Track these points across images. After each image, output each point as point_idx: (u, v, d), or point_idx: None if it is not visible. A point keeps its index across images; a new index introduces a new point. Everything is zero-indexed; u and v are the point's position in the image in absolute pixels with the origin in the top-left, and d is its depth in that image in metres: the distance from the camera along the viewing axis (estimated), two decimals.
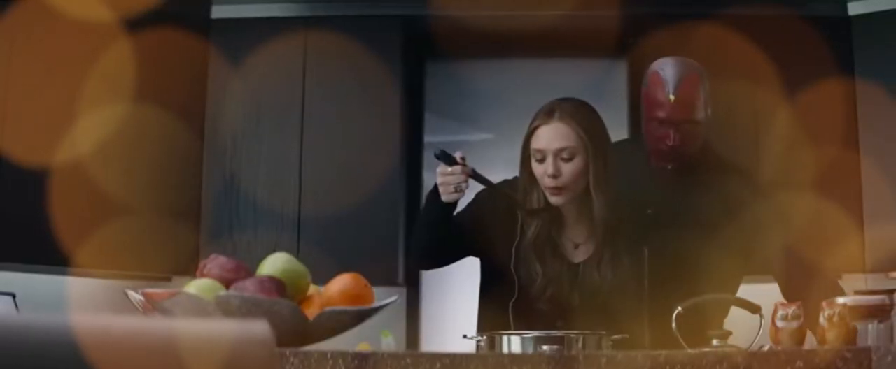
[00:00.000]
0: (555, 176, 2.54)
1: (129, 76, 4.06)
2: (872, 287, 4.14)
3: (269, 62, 4.43)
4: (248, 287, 1.88)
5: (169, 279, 4.34)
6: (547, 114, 2.59)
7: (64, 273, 3.99)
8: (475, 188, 2.63)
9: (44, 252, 3.77)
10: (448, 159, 2.50)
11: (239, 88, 4.44)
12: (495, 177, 4.56)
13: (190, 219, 4.29)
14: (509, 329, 2.56)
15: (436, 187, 2.56)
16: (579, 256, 2.66)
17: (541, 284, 2.61)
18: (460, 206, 2.65)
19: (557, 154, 2.55)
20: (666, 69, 2.75)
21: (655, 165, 2.80)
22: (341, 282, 1.98)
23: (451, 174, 2.51)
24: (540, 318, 2.61)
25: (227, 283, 1.93)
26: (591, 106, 2.67)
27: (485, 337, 2.39)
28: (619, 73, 4.61)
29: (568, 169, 2.55)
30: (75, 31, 3.89)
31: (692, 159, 2.81)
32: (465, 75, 4.75)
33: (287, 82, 4.39)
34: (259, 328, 1.18)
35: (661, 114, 2.70)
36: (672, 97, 2.69)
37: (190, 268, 4.17)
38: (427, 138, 4.74)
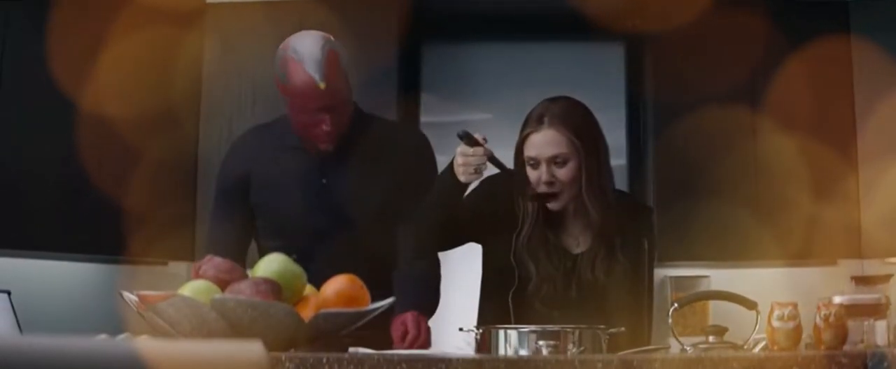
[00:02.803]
0: (550, 182, 2.57)
1: (125, 60, 4.04)
2: (868, 272, 4.14)
3: (265, 45, 4.40)
4: (243, 290, 1.87)
5: (165, 264, 4.34)
6: (537, 120, 2.58)
7: (61, 259, 3.99)
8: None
9: (40, 239, 3.78)
10: (470, 140, 2.49)
11: (234, 71, 4.42)
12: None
13: (186, 204, 4.28)
14: (509, 319, 2.57)
15: (449, 167, 2.55)
16: (578, 248, 2.67)
17: (535, 284, 2.62)
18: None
19: (550, 161, 2.56)
20: (303, 53, 2.62)
21: (318, 149, 2.76)
22: (337, 284, 1.98)
23: (473, 155, 2.50)
24: (538, 310, 2.62)
25: (223, 285, 1.93)
26: (581, 104, 2.66)
27: (480, 331, 2.42)
28: (616, 56, 4.60)
29: (562, 173, 2.57)
30: (72, 20, 3.87)
31: (347, 135, 2.78)
32: (463, 57, 4.73)
33: None
34: (253, 348, 1.17)
35: (315, 104, 2.62)
36: (323, 85, 2.61)
37: (186, 254, 4.18)
38: (424, 118, 4.73)
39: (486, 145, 2.51)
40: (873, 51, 4.16)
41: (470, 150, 2.51)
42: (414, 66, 4.72)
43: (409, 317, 2.63)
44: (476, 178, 2.54)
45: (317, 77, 2.57)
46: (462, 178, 2.53)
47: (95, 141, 3.91)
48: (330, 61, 2.61)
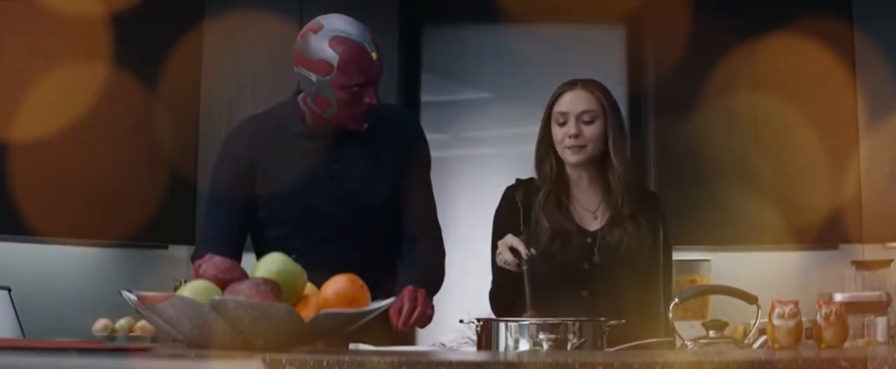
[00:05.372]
0: (576, 135, 2.70)
1: (126, 46, 4.03)
2: (870, 257, 4.15)
3: (265, 27, 4.39)
4: (243, 290, 1.86)
5: (165, 247, 4.35)
6: (569, 84, 2.78)
7: (61, 244, 4.00)
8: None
9: (40, 225, 3.78)
10: None
11: (235, 54, 4.41)
12: (492, 134, 4.58)
13: (186, 188, 4.28)
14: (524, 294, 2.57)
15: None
16: (596, 224, 2.75)
17: (547, 239, 2.69)
18: None
19: (579, 117, 2.72)
20: (348, 29, 2.63)
21: (352, 129, 2.73)
22: (337, 284, 1.97)
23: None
24: (563, 287, 2.67)
25: (223, 285, 1.92)
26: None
27: (481, 323, 2.43)
28: (616, 39, 4.59)
29: (588, 131, 2.72)
30: (71, 11, 3.87)
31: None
32: (462, 38, 4.72)
33: (283, 46, 4.34)
34: (253, 367, 1.18)
35: (366, 77, 2.62)
36: (375, 55, 2.63)
37: (186, 237, 4.18)
38: (425, 98, 4.73)
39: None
40: (875, 34, 4.14)
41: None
42: (414, 47, 4.71)
43: (406, 292, 2.62)
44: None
45: (368, 47, 2.61)
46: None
47: (96, 125, 3.90)
48: (371, 34, 2.66)
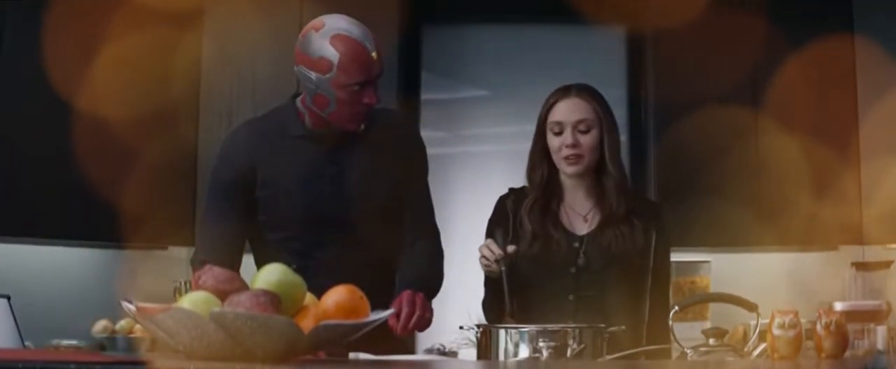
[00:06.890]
0: (574, 145, 2.68)
1: (127, 51, 4.03)
2: (870, 258, 4.15)
3: (265, 25, 4.39)
4: (243, 302, 1.86)
5: (165, 248, 4.35)
6: (563, 91, 2.74)
7: (61, 245, 3.99)
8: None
9: (41, 226, 3.78)
10: None
11: (234, 52, 4.40)
12: (491, 132, 4.59)
13: (186, 189, 4.28)
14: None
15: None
16: (586, 228, 2.74)
17: (528, 242, 2.68)
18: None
19: (575, 126, 2.69)
20: (349, 28, 2.63)
21: (348, 130, 2.72)
22: (336, 295, 1.97)
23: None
24: (549, 292, 2.67)
25: (222, 296, 1.92)
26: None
27: (481, 329, 2.43)
28: (617, 41, 4.58)
29: (585, 140, 2.69)
30: (73, 11, 3.86)
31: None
32: (462, 38, 4.72)
33: (283, 46, 4.34)
34: None
35: (366, 76, 2.62)
36: (375, 54, 2.63)
37: (186, 239, 4.17)
38: (425, 96, 4.73)
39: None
40: (876, 37, 4.14)
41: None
42: (414, 46, 4.71)
43: (404, 297, 2.62)
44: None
45: (369, 46, 2.62)
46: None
47: (97, 128, 3.90)
48: (372, 34, 2.66)
